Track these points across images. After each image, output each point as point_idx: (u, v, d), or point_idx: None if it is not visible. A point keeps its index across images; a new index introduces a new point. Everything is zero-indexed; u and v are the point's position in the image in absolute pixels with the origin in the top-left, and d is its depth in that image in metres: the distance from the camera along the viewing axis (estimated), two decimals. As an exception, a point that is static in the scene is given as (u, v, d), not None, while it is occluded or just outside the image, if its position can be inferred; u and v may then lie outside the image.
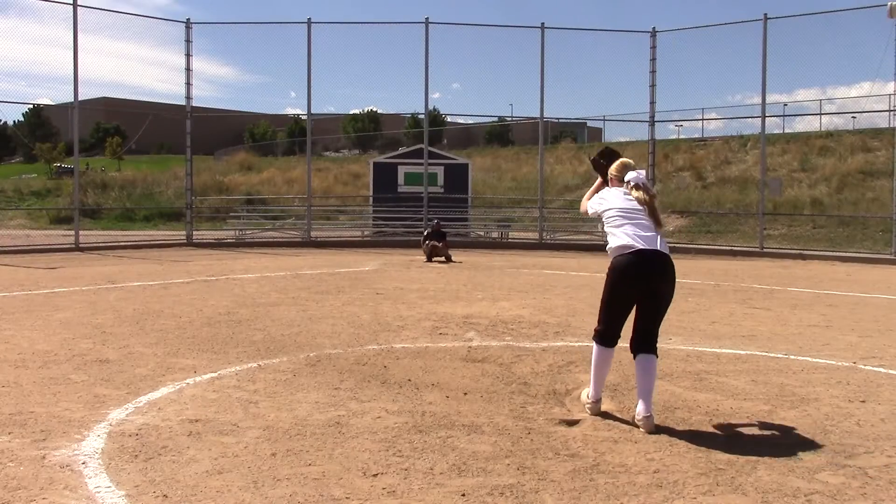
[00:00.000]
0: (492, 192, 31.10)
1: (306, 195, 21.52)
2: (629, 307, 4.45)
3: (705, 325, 7.79)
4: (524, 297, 9.87)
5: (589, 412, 4.50)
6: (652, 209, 4.46)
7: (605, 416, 4.48)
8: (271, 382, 5.17)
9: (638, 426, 4.22)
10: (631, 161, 4.87)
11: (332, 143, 54.22)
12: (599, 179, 4.99)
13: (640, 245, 4.33)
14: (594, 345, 4.53)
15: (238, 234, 22.14)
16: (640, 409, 4.25)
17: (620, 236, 4.44)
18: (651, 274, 4.34)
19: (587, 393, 4.61)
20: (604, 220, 4.63)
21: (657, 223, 4.44)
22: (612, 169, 4.83)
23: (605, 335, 4.46)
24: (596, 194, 4.85)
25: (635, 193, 4.54)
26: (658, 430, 4.17)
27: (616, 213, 4.53)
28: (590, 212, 4.82)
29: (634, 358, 4.39)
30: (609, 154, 4.96)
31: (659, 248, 4.36)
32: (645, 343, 4.36)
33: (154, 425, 4.18)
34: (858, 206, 23.25)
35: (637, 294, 4.39)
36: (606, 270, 4.51)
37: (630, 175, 4.63)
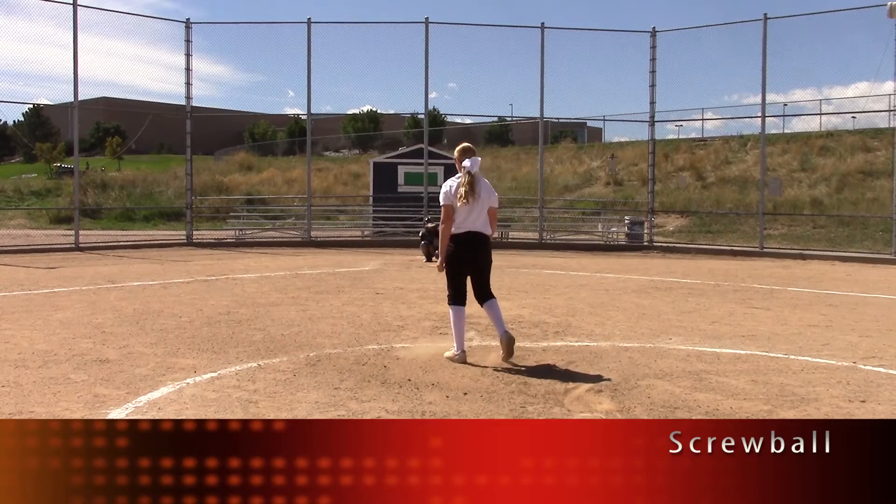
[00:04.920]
0: (492, 191, 31.01)
1: (306, 195, 21.52)
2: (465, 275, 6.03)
3: (705, 324, 7.79)
4: (524, 296, 9.87)
5: (458, 360, 5.78)
6: (470, 191, 5.81)
7: (606, 416, 4.47)
8: (271, 382, 5.18)
9: (504, 358, 5.79)
10: (470, 145, 6.09)
11: (332, 143, 54.18)
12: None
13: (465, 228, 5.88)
14: (451, 307, 6.00)
15: (238, 233, 22.13)
16: (499, 331, 5.87)
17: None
18: (473, 249, 5.91)
19: (453, 352, 5.90)
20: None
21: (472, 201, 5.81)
22: (455, 153, 6.08)
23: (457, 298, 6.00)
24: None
25: (462, 179, 5.88)
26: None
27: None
28: (449, 202, 5.90)
29: (482, 306, 6.03)
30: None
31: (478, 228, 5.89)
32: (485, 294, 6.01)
33: (154, 425, 4.17)
34: (858, 206, 23.25)
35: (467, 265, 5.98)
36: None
37: (466, 162, 5.90)
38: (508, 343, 5.82)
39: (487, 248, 6.04)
